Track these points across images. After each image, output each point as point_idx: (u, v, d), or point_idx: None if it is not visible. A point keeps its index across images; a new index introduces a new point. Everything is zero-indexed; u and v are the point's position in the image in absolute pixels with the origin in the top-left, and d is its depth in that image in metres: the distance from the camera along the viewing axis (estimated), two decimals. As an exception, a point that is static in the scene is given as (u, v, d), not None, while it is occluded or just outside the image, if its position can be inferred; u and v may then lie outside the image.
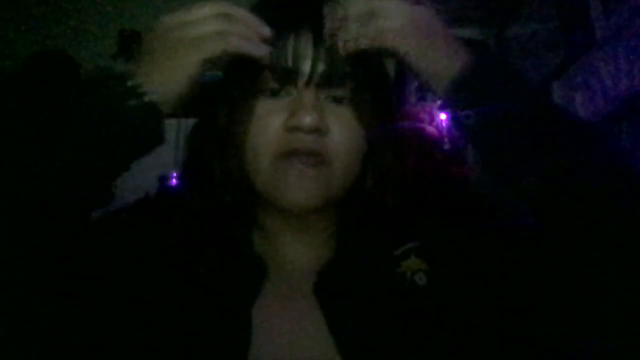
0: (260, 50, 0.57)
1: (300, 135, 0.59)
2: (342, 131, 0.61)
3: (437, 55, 0.55)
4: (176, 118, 0.68)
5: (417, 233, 0.65)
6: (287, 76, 0.60)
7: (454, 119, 0.56)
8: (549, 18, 1.31)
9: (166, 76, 0.55)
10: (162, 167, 0.71)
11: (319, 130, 0.59)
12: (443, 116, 1.39)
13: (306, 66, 0.60)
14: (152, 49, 0.56)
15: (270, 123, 0.60)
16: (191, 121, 0.71)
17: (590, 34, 1.14)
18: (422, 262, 0.62)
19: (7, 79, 1.88)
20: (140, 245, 0.63)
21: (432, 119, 1.50)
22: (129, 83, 0.54)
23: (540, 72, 1.41)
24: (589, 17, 1.13)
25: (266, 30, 0.58)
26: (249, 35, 0.57)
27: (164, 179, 0.70)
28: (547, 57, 1.36)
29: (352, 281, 0.63)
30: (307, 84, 0.60)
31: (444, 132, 1.48)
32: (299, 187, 0.60)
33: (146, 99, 0.54)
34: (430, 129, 1.44)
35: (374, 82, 0.62)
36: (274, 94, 0.61)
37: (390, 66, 0.68)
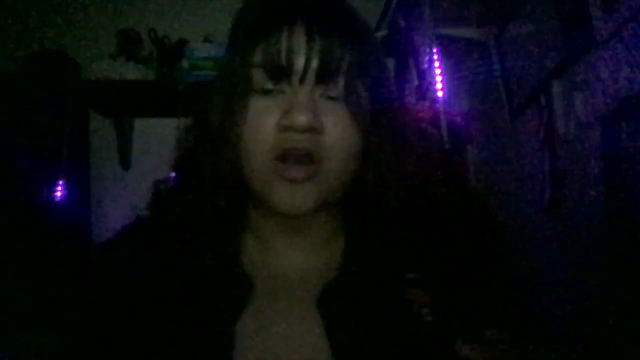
0: None
1: (294, 135, 0.57)
2: (337, 130, 0.59)
3: None
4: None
5: (424, 258, 0.63)
6: (281, 74, 0.58)
7: None
8: (549, 18, 1.31)
9: None
10: (162, 167, 0.70)
11: (313, 130, 0.57)
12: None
13: (300, 63, 0.58)
14: None
15: (264, 123, 0.58)
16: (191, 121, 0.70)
17: (590, 34, 1.14)
18: (429, 296, 0.60)
19: (7, 79, 1.87)
20: (135, 273, 0.63)
21: (432, 119, 1.50)
22: None
23: (540, 72, 1.40)
24: (589, 17, 1.13)
25: None
26: None
27: (159, 183, 0.68)
28: (547, 57, 1.36)
29: (359, 298, 0.60)
30: (301, 81, 0.58)
31: (444, 132, 1.48)
32: (293, 195, 0.58)
33: None
34: (430, 129, 1.44)
35: (371, 79, 0.61)
36: (268, 93, 0.59)
37: (391, 64, 0.67)
